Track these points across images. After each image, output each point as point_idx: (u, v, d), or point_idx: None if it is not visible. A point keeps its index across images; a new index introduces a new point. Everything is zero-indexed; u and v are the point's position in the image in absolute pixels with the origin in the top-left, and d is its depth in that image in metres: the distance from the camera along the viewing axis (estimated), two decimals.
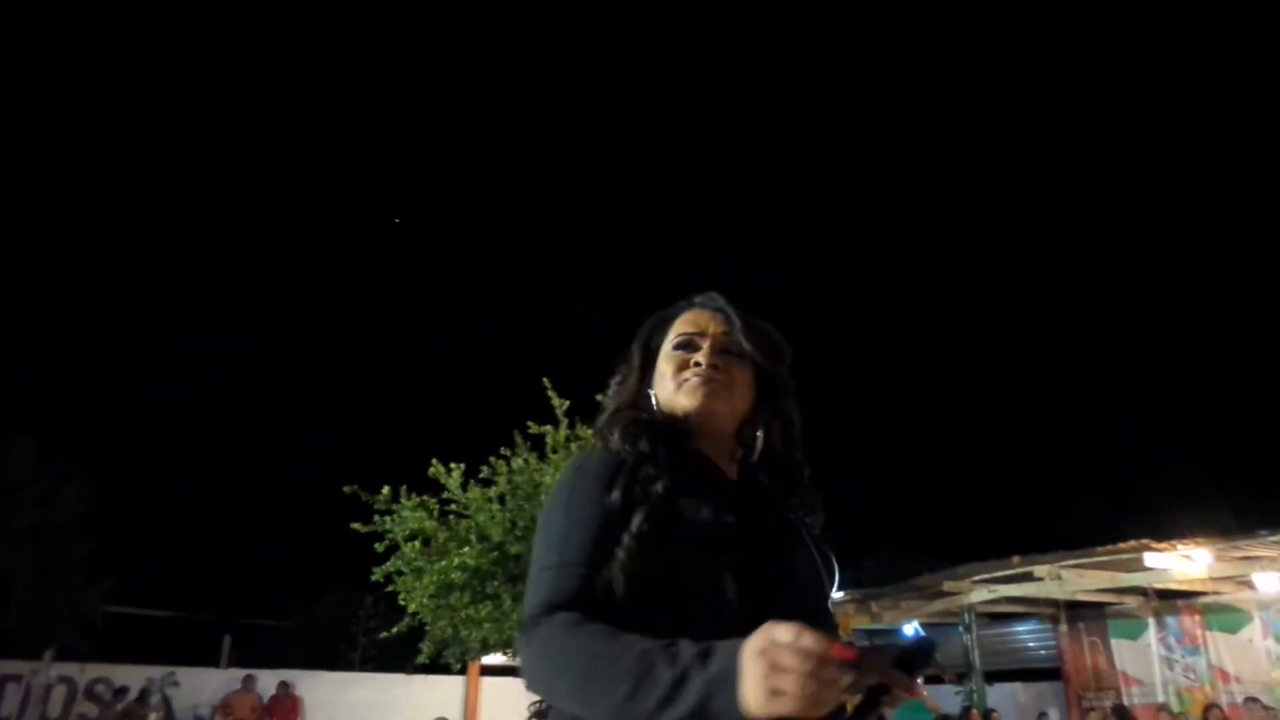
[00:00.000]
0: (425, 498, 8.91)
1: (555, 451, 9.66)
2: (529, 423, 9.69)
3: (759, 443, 1.33)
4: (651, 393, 1.35)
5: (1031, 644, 13.92)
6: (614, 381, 1.42)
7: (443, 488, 9.04)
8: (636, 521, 1.14)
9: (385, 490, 8.73)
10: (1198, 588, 11.37)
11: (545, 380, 9.66)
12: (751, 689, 0.85)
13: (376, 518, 8.78)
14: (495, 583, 8.63)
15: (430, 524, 8.79)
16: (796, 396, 1.39)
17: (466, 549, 8.45)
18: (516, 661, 10.38)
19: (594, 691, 0.97)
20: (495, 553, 8.73)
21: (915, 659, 1.09)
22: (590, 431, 9.69)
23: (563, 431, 9.72)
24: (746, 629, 0.92)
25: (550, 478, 9.24)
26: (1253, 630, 11.50)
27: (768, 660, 0.86)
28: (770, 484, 1.34)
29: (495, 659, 12.12)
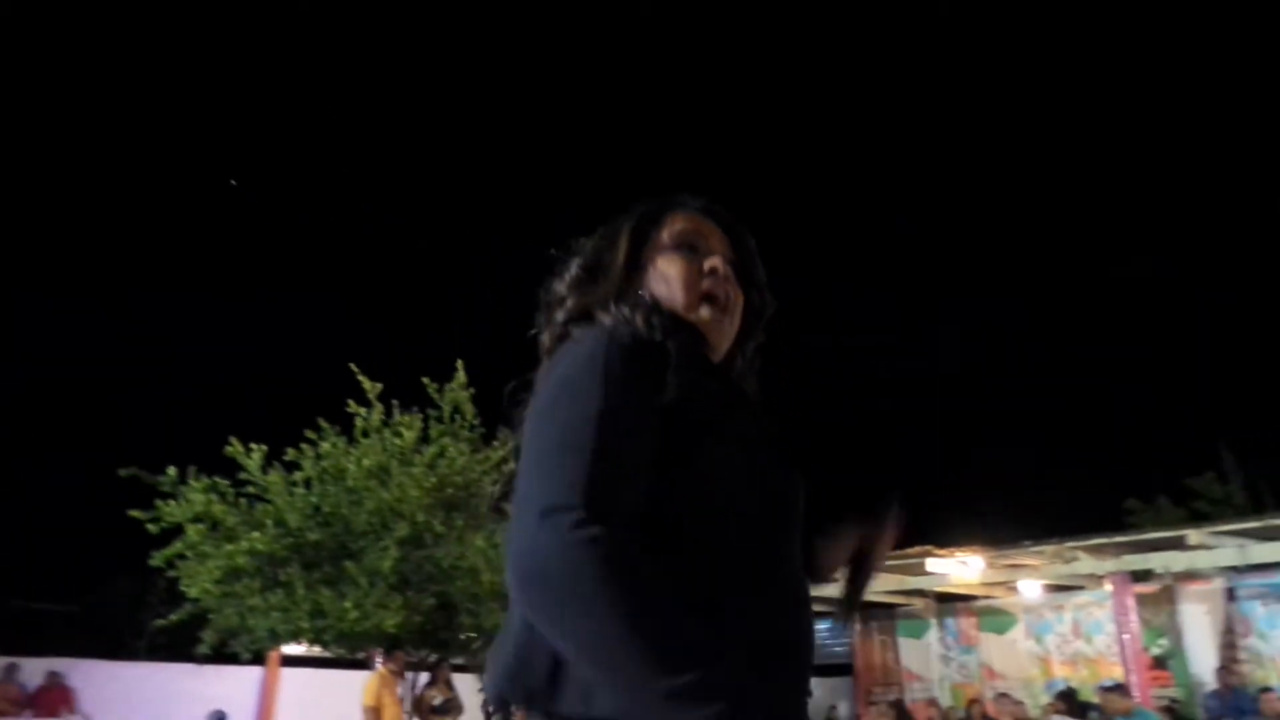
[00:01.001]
0: (216, 479, 8.43)
1: (366, 436, 9.39)
2: (349, 401, 9.38)
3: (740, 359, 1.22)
4: (644, 293, 1.11)
5: (828, 641, 14.74)
6: (575, 265, 1.16)
7: (240, 469, 8.60)
8: (689, 425, 0.95)
9: (171, 471, 8.19)
10: (973, 592, 12.40)
11: (352, 365, 9.35)
12: None
13: (158, 502, 8.23)
14: (289, 570, 8.27)
15: (218, 507, 8.32)
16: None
17: (257, 534, 8.05)
18: (318, 651, 10.07)
19: (626, 660, 0.78)
20: (291, 538, 8.37)
21: (878, 508, 1.18)
22: (408, 418, 9.60)
23: (376, 415, 9.46)
24: (775, 560, 1.00)
25: (368, 460, 8.97)
26: (1018, 632, 12.65)
27: None
28: None
29: (299, 649, 11.63)
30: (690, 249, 1.13)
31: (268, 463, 9.06)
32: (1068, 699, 9.57)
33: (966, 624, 13.10)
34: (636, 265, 1.13)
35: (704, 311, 1.10)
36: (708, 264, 1.12)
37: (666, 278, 1.12)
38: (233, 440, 8.39)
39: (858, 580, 1.22)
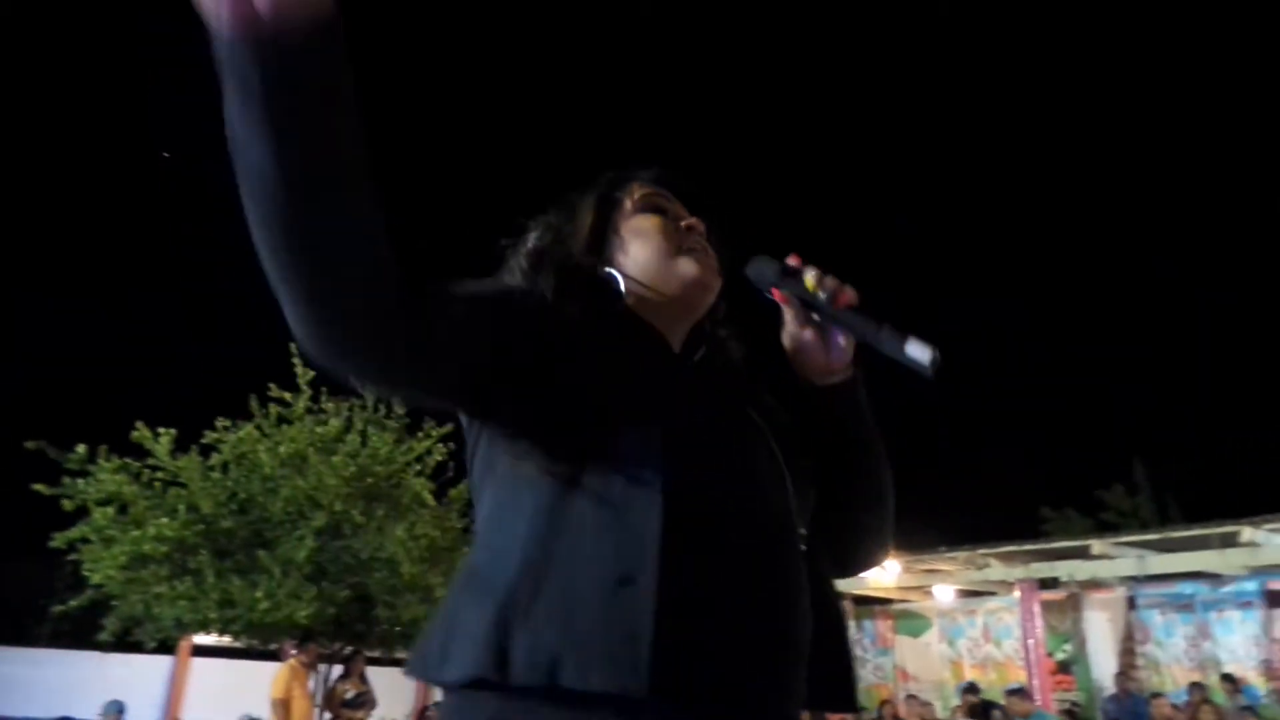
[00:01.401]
0: (128, 460, 8.14)
1: (291, 423, 9.19)
2: (270, 385, 9.17)
3: (712, 334, 1.11)
4: (613, 271, 1.04)
5: None
6: (532, 239, 1.08)
7: (149, 454, 8.33)
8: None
9: (80, 449, 7.89)
10: (890, 595, 12.70)
11: (291, 345, 9.13)
12: None
13: (66, 479, 7.92)
14: (199, 557, 8.03)
15: (130, 489, 8.04)
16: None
17: (166, 519, 7.80)
18: (230, 641, 9.80)
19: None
20: (203, 525, 8.14)
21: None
22: (333, 404, 9.43)
23: (303, 401, 9.27)
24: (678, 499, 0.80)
25: (285, 448, 8.78)
26: (932, 635, 12.99)
27: None
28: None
29: (211, 639, 11.32)
30: (658, 210, 1.09)
31: (184, 447, 8.82)
32: (973, 691, 9.88)
33: (883, 626, 13.40)
34: (602, 234, 1.07)
35: (685, 264, 1.04)
36: (684, 222, 1.08)
37: (642, 232, 1.06)
38: (139, 424, 8.11)
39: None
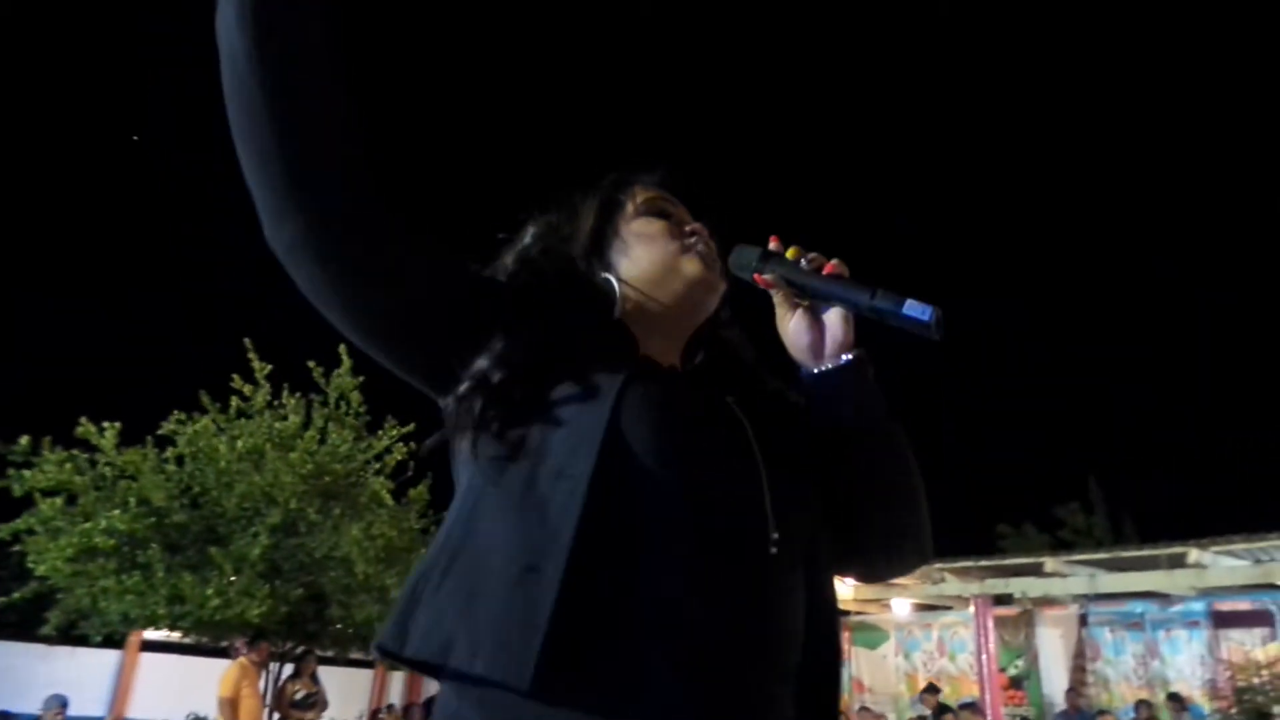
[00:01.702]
0: (74, 452, 7.99)
1: (249, 417, 9.07)
2: (234, 376, 9.05)
3: (716, 339, 1.08)
4: (610, 278, 1.01)
5: None
6: (530, 235, 1.06)
7: (96, 449, 8.18)
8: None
9: (24, 440, 7.72)
10: (849, 607, 12.78)
11: (247, 340, 9.04)
12: None
13: (11, 470, 7.75)
14: (149, 551, 7.89)
15: (80, 480, 7.89)
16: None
17: (117, 512, 7.66)
18: (178, 637, 9.63)
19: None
20: (154, 518, 8.00)
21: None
22: (293, 400, 9.32)
23: (262, 395, 9.16)
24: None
25: (243, 442, 8.66)
26: (889, 648, 13.11)
27: None
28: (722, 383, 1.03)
29: (161, 633, 11.12)
30: (663, 214, 1.06)
31: (139, 439, 8.67)
32: (933, 691, 9.98)
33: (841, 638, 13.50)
34: (603, 236, 1.05)
35: (689, 265, 1.01)
36: (689, 226, 1.05)
37: (646, 236, 1.03)
38: (83, 420, 7.97)
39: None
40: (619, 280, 1.01)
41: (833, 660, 0.90)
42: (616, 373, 0.86)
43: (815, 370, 0.96)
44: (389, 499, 9.42)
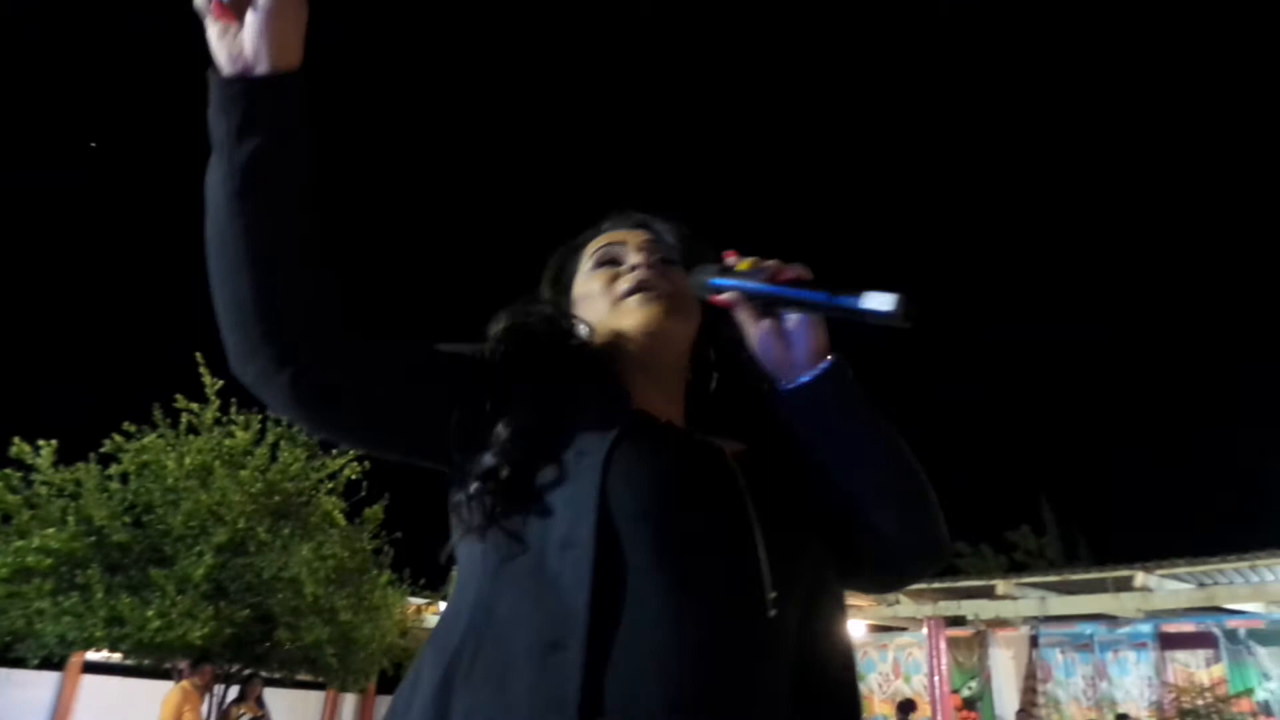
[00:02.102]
0: (7, 471, 7.78)
1: (199, 433, 8.90)
2: (177, 396, 8.88)
3: (714, 373, 1.05)
4: (578, 318, 1.03)
5: None
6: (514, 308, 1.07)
7: (31, 469, 7.98)
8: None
9: None
10: None
11: (198, 355, 8.88)
12: None
13: None
14: (88, 571, 7.68)
15: (13, 499, 7.67)
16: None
17: (52, 531, 7.45)
18: (120, 658, 9.36)
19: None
20: (94, 537, 7.79)
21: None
22: (243, 417, 9.14)
23: (211, 412, 8.99)
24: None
25: (191, 459, 8.48)
26: None
27: None
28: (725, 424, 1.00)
29: (103, 655, 10.82)
30: (611, 263, 1.05)
31: (82, 456, 8.46)
32: (910, 709, 10.01)
33: None
34: (563, 303, 1.08)
35: (631, 302, 0.99)
36: (628, 264, 1.03)
37: (587, 297, 1.04)
38: (16, 440, 7.77)
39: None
40: (596, 338, 1.02)
41: (852, 706, 0.89)
42: (608, 433, 0.86)
43: (791, 384, 0.93)
44: (341, 519, 9.29)
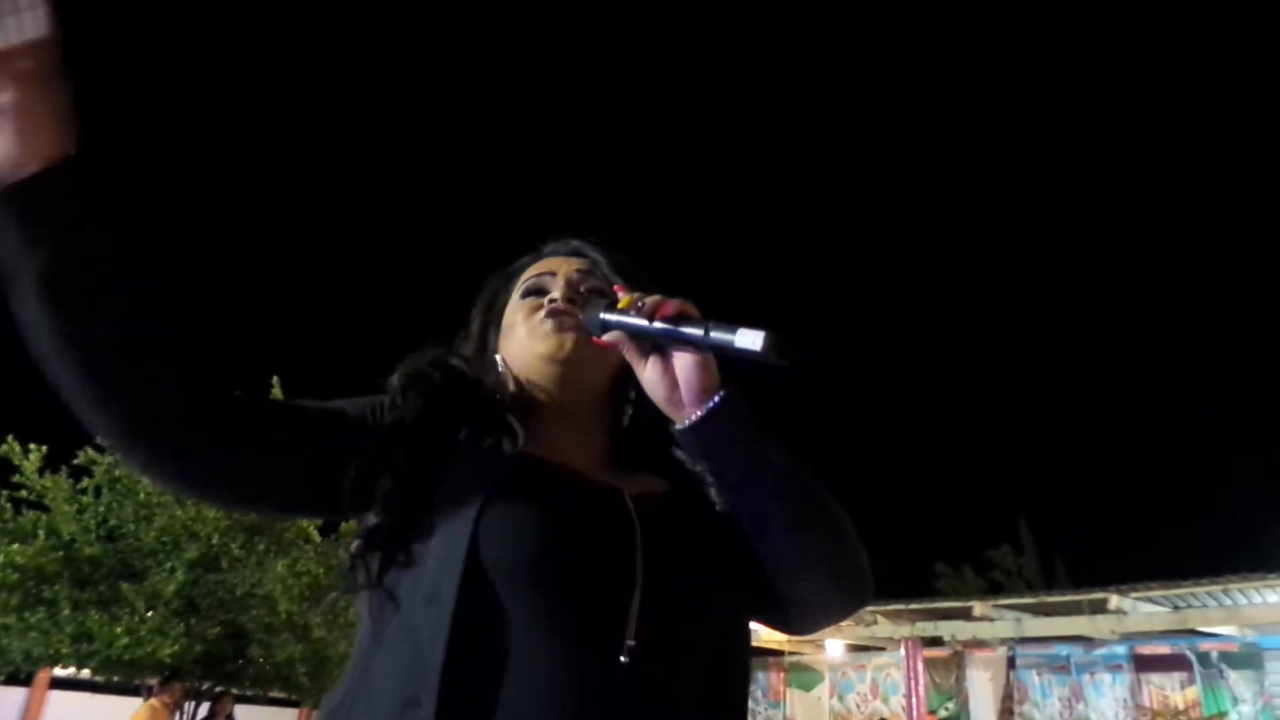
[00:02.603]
0: None
1: None
2: None
3: (628, 409, 1.01)
4: (498, 356, 1.02)
5: None
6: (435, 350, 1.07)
7: (15, 470, 7.86)
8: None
9: None
10: (783, 647, 12.80)
11: None
12: None
13: None
14: (55, 586, 7.56)
15: None
16: None
17: (18, 545, 7.34)
18: (88, 674, 9.22)
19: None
20: (63, 552, 7.68)
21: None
22: None
23: None
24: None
25: None
26: (823, 689, 13.10)
27: None
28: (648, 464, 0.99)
29: (71, 671, 10.63)
30: (537, 291, 1.03)
31: (53, 468, 8.35)
32: None
33: (775, 679, 13.46)
34: (492, 332, 1.06)
35: (542, 330, 0.97)
36: (552, 293, 1.01)
37: (511, 328, 1.02)
38: (8, 439, 7.66)
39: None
40: (511, 375, 1.00)
41: None
42: (487, 482, 0.84)
43: (680, 425, 0.89)
44: (316, 535, 9.21)
